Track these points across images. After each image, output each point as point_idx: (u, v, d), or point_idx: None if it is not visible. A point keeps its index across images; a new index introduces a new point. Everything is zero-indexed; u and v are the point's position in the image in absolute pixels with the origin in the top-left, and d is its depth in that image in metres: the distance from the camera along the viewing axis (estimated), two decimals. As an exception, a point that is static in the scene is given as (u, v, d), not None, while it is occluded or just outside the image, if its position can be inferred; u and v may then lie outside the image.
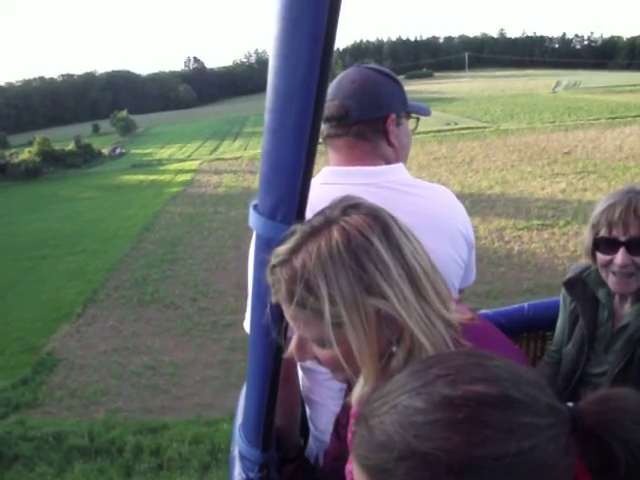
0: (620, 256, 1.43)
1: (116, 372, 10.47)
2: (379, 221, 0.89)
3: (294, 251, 0.88)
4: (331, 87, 1.44)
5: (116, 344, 11.74)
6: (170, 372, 10.17)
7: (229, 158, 39.53)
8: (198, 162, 40.21)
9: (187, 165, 39.88)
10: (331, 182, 1.41)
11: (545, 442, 0.59)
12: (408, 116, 1.53)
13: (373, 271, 0.85)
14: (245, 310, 1.32)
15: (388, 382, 0.68)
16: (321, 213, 0.92)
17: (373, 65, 1.52)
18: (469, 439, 0.57)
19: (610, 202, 1.46)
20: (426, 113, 1.60)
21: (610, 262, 1.47)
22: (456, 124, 43.77)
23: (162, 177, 36.26)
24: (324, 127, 1.46)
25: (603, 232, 1.46)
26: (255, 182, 29.23)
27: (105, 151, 54.72)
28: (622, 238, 1.43)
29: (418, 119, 1.58)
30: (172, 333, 11.86)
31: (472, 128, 40.92)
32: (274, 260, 0.90)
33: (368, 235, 0.86)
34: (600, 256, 1.50)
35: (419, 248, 0.92)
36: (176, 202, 26.71)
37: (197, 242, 18.83)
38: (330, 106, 1.43)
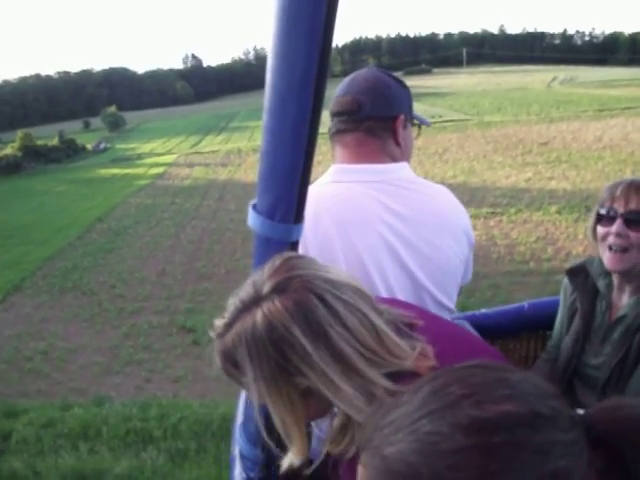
0: (617, 225, 1.48)
1: (9, 357, 10.36)
2: (304, 307, 0.89)
3: (227, 328, 0.92)
4: (342, 84, 1.49)
5: (22, 330, 11.63)
6: (59, 357, 10.04)
7: (206, 152, 39.33)
8: (175, 156, 39.97)
9: (163, 159, 39.66)
10: (341, 180, 1.44)
11: (577, 458, 0.56)
12: (412, 122, 1.55)
13: (295, 359, 0.87)
14: None
15: (396, 404, 0.61)
16: (253, 284, 0.93)
17: (384, 70, 1.57)
18: (507, 465, 0.53)
19: (615, 182, 1.53)
20: (427, 124, 1.66)
21: (607, 234, 1.51)
22: (440, 117, 43.20)
23: (136, 170, 35.98)
24: (332, 123, 1.49)
25: (605, 206, 1.52)
26: (223, 174, 29.01)
27: (89, 146, 54.45)
28: (621, 210, 1.48)
29: (420, 127, 1.62)
30: (78, 319, 11.74)
31: (455, 121, 40.41)
32: (213, 331, 0.94)
33: (289, 327, 0.87)
34: (600, 229, 1.54)
35: (356, 322, 0.90)
36: (140, 194, 26.56)
37: (141, 232, 18.68)
38: (341, 101, 1.46)
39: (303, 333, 0.87)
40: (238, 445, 1.38)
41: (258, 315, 0.89)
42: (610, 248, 1.51)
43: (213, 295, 11.75)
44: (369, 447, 0.59)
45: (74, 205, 26.57)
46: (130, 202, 24.62)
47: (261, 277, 0.93)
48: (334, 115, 1.48)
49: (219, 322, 0.94)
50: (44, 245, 18.83)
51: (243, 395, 1.47)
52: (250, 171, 28.18)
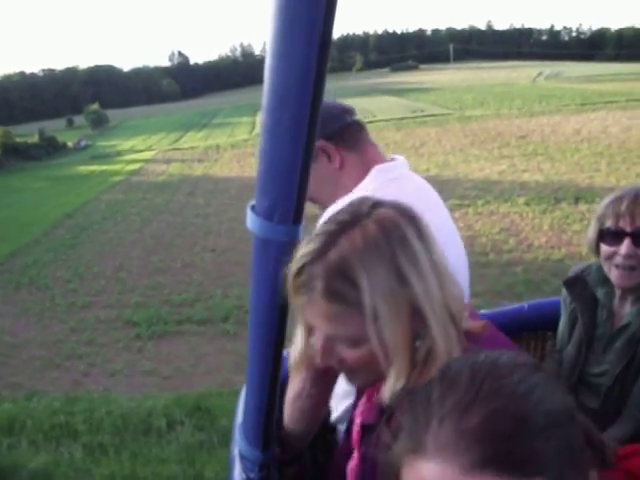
0: (625, 246, 1.44)
1: (-47, 354, 10.24)
2: (410, 215, 0.91)
3: (328, 245, 0.89)
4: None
5: (-30, 326, 11.50)
6: (3, 352, 9.90)
7: (185, 148, 39.19)
8: (154, 152, 39.75)
9: (142, 155, 39.53)
10: (396, 177, 1.47)
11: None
12: None
13: (407, 263, 0.87)
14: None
15: (434, 399, 0.63)
16: (345, 212, 0.93)
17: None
18: (554, 395, 0.62)
19: (617, 195, 1.49)
20: None
21: (614, 254, 1.48)
22: (422, 111, 43.14)
23: (113, 167, 35.79)
24: (350, 120, 1.53)
25: (609, 223, 1.48)
26: (199, 170, 28.80)
27: (70, 144, 54.08)
28: (628, 229, 1.44)
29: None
30: (28, 314, 11.63)
31: (436, 115, 40.29)
32: (303, 260, 0.90)
33: (403, 227, 0.88)
34: (604, 248, 1.50)
35: (439, 246, 0.93)
36: (113, 190, 26.43)
37: (107, 227, 18.58)
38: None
39: (415, 236, 0.88)
40: (238, 445, 1.37)
41: (368, 223, 0.89)
42: (617, 266, 1.49)
43: (165, 289, 11.67)
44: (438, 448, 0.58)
45: (47, 201, 26.37)
46: (102, 198, 24.48)
47: (352, 205, 0.93)
48: (347, 113, 1.53)
49: (310, 246, 0.90)
50: (9, 241, 18.63)
51: (243, 396, 1.46)
52: (225, 166, 28.01)
